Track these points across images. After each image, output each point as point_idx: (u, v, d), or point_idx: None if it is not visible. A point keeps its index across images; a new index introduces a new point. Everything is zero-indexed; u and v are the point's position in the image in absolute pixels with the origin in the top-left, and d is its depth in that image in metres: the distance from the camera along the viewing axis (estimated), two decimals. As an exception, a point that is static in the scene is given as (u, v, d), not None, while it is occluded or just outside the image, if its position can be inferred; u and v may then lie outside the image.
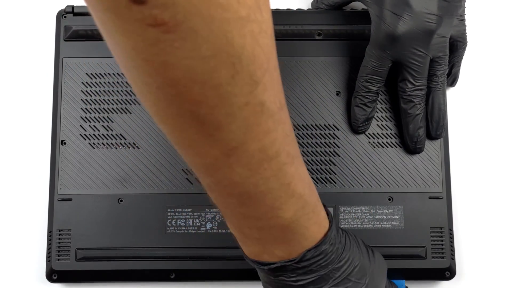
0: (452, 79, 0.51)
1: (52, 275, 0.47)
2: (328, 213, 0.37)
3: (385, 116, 0.50)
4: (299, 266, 0.35)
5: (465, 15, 0.47)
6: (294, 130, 0.49)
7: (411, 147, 0.48)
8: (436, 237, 0.48)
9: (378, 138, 0.49)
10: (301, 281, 0.36)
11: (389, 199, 0.49)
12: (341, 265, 0.36)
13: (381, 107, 0.50)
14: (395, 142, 0.49)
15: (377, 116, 0.50)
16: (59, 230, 0.48)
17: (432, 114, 0.48)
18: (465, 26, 0.48)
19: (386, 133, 0.50)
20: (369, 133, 0.50)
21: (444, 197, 0.49)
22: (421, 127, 0.47)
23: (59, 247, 0.48)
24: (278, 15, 0.50)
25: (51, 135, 0.49)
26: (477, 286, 0.50)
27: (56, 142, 0.49)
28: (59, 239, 0.48)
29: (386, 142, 0.49)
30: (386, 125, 0.50)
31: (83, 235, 0.48)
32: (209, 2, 0.22)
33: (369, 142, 0.49)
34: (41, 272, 0.49)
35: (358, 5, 0.52)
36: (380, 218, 0.48)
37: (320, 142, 0.49)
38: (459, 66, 0.51)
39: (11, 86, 0.53)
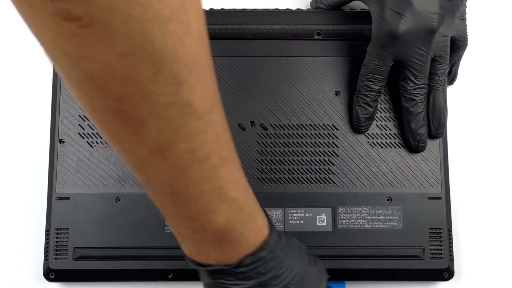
0: (451, 77, 0.51)
1: (49, 274, 0.47)
2: (269, 220, 0.37)
3: (384, 116, 0.50)
4: (237, 271, 0.34)
5: (466, 14, 0.47)
6: (294, 129, 0.49)
7: (413, 145, 0.48)
8: (434, 238, 0.48)
9: (377, 138, 0.49)
10: (239, 286, 0.35)
11: (388, 200, 0.49)
12: (281, 273, 0.36)
13: (380, 107, 0.50)
14: (394, 142, 0.49)
15: (376, 116, 0.50)
16: (57, 229, 0.48)
17: (433, 112, 0.48)
18: (466, 25, 0.48)
19: (385, 133, 0.49)
20: (368, 133, 0.49)
21: (443, 198, 0.48)
22: (423, 126, 0.47)
23: (56, 246, 0.47)
24: (278, 15, 0.50)
25: (50, 133, 0.49)
26: (476, 287, 0.50)
27: (55, 140, 0.49)
28: (57, 238, 0.48)
29: (385, 142, 0.49)
30: (385, 125, 0.50)
31: (81, 234, 0.48)
32: (127, 0, 0.22)
33: (368, 142, 0.49)
34: (38, 271, 0.49)
35: (357, 5, 0.52)
36: (379, 219, 0.48)
37: (319, 142, 0.49)
38: (458, 65, 0.51)
39: (10, 84, 0.53)
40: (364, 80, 0.47)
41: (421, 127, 0.47)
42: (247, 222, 0.34)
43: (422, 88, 0.46)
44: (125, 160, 0.30)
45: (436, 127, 0.48)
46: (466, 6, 0.47)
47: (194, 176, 0.29)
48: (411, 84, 0.46)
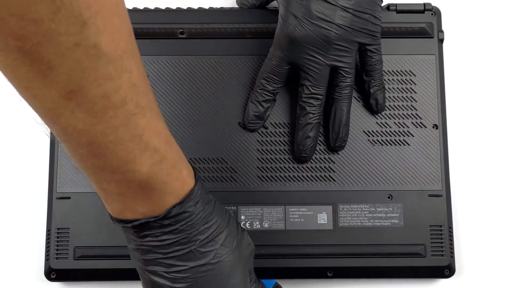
0: (374, 103, 0.49)
1: (50, 273, 0.47)
2: (195, 173, 0.37)
3: (384, 113, 0.50)
4: (164, 223, 0.34)
5: (379, 34, 0.46)
6: (294, 128, 0.49)
7: (296, 154, 0.48)
8: (435, 235, 0.48)
9: (378, 136, 0.49)
10: (168, 241, 0.35)
11: (389, 197, 0.49)
12: (208, 226, 0.36)
13: (380, 105, 0.50)
14: (395, 139, 0.49)
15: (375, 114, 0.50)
16: (58, 229, 0.48)
17: (333, 125, 0.47)
18: (378, 44, 0.46)
19: (385, 131, 0.49)
20: (368, 131, 0.49)
21: (444, 195, 0.48)
22: (309, 137, 0.47)
23: (57, 245, 0.47)
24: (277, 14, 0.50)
25: (50, 133, 0.49)
26: (477, 284, 0.50)
27: (55, 140, 0.49)
28: (58, 237, 0.48)
29: (386, 139, 0.49)
30: (385, 122, 0.50)
31: (82, 233, 0.48)
32: None
33: (368, 139, 0.49)
34: (39, 271, 0.49)
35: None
36: (380, 216, 0.48)
37: (319, 140, 0.49)
38: (379, 88, 0.48)
39: (10, 84, 0.53)
40: (261, 78, 0.48)
41: (306, 138, 0.47)
42: (171, 172, 0.34)
43: (316, 98, 0.46)
44: (37, 109, 0.29)
45: (334, 140, 0.48)
46: (380, 25, 0.46)
47: (111, 122, 0.29)
48: (306, 91, 0.46)
